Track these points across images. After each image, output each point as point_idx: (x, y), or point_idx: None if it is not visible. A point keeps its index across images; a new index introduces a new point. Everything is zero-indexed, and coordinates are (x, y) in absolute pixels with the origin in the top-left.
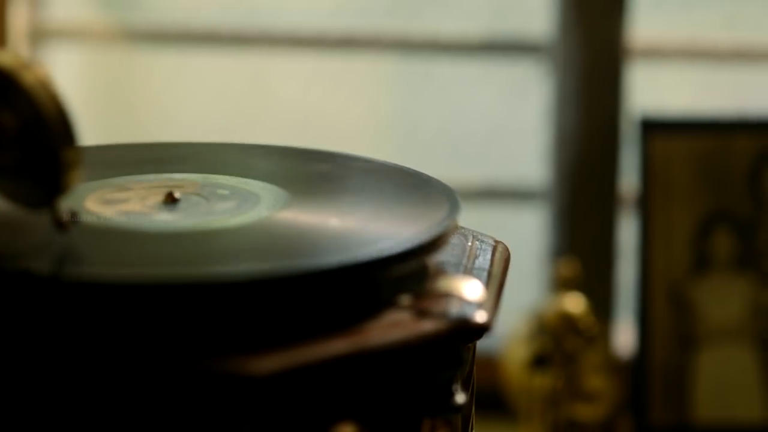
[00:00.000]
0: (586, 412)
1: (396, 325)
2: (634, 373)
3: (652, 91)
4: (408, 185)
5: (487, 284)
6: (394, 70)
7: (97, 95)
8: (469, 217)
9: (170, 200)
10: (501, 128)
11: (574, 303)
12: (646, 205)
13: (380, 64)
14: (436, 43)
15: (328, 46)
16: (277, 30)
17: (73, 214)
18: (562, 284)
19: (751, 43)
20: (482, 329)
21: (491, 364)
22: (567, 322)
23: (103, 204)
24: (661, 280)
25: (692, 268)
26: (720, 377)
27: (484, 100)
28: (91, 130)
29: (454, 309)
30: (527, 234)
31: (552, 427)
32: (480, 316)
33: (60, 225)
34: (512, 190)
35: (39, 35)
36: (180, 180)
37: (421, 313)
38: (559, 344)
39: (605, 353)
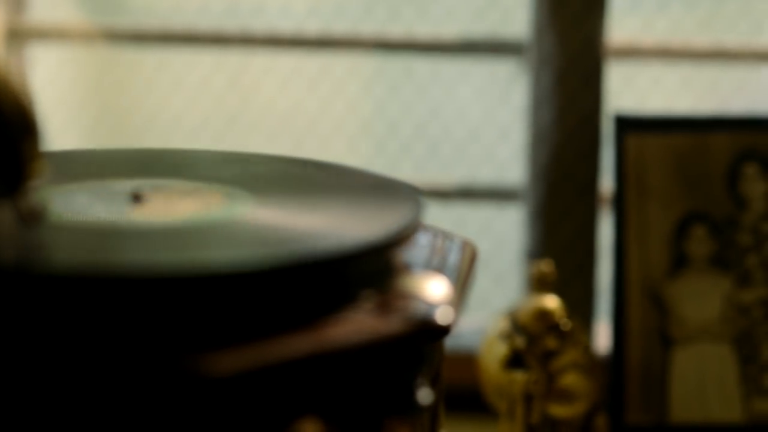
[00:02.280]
0: (563, 411)
1: (358, 324)
2: (611, 373)
3: (630, 91)
4: (372, 186)
5: (454, 283)
6: (372, 70)
7: (79, 96)
8: (447, 217)
9: (135, 200)
10: (480, 128)
11: (550, 302)
12: (622, 204)
13: (359, 64)
14: (414, 43)
15: (306, 45)
16: (255, 30)
17: (39, 209)
18: (538, 284)
19: (728, 43)
20: (445, 329)
21: (469, 362)
22: (543, 320)
23: (68, 203)
24: (638, 280)
25: (669, 268)
26: (697, 377)
27: (462, 100)
28: (73, 131)
29: (416, 309)
30: (507, 234)
31: (529, 425)
32: (442, 317)
33: (24, 218)
34: (491, 189)
35: (19, 36)
36: (146, 183)
37: (384, 313)
38: (534, 343)
39: (584, 352)
